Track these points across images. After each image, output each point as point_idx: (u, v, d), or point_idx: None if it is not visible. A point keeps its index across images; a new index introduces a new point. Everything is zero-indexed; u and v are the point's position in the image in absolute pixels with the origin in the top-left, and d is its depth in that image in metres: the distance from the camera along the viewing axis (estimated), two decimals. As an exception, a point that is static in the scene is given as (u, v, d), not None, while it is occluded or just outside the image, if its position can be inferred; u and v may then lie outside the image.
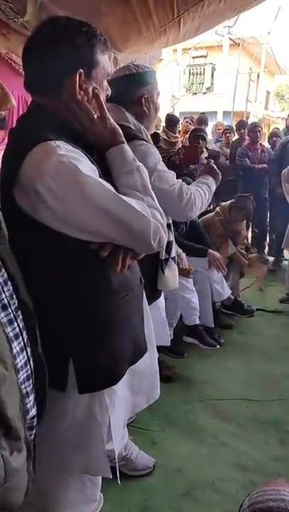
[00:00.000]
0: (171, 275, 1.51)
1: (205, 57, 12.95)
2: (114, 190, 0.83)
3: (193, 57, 13.01)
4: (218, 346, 2.45)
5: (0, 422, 0.60)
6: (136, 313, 1.04)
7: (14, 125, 0.96)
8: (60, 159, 0.76)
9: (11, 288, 0.67)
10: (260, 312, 3.08)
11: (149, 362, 1.15)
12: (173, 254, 1.52)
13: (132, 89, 1.31)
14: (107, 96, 0.93)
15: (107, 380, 0.96)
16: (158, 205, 0.91)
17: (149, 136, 1.36)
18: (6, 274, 0.66)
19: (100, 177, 0.84)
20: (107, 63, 0.89)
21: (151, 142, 1.35)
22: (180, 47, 11.92)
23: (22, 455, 0.65)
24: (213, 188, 1.50)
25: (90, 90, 0.86)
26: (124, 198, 0.83)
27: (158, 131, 3.06)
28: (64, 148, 0.78)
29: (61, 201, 0.77)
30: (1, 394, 0.59)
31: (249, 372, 2.29)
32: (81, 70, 0.83)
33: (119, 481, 1.05)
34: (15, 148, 0.83)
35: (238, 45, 11.57)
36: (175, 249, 1.59)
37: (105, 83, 0.91)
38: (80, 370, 0.90)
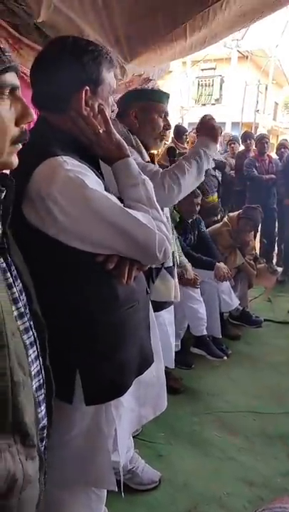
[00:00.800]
0: (162, 286, 1.51)
1: (214, 69, 13.11)
2: (120, 204, 0.85)
3: (202, 70, 13.18)
4: (225, 358, 2.43)
5: (19, 428, 0.61)
6: (142, 323, 1.04)
7: None
8: (66, 174, 0.78)
9: (25, 298, 0.69)
10: (268, 323, 3.05)
11: (156, 373, 1.15)
12: (167, 264, 1.52)
13: (125, 104, 1.43)
14: (112, 111, 0.96)
15: (114, 392, 0.96)
16: (163, 217, 0.93)
17: (140, 146, 1.41)
18: (21, 285, 0.68)
19: (105, 190, 0.86)
20: (112, 80, 0.92)
21: (143, 151, 1.40)
22: (189, 59, 12.11)
23: (35, 463, 0.65)
24: (210, 153, 1.42)
25: (96, 106, 0.89)
26: (129, 210, 0.84)
27: (172, 146, 3.09)
28: (70, 164, 0.80)
29: (68, 215, 0.79)
30: (20, 399, 0.60)
31: (256, 384, 2.26)
32: (87, 87, 0.86)
33: (122, 494, 1.04)
34: (23, 164, 0.84)
35: (247, 57, 11.70)
36: (172, 260, 1.58)
37: (111, 99, 0.94)
38: (86, 381, 0.90)
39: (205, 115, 1.52)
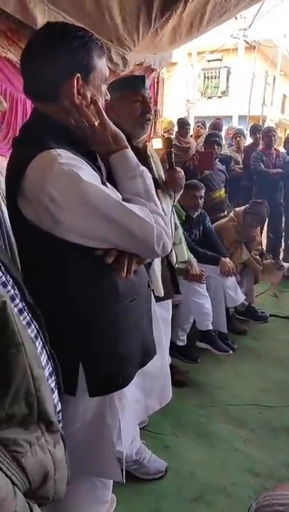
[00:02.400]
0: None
1: (220, 60, 12.85)
2: (116, 197, 0.83)
3: (209, 61, 12.96)
4: (231, 352, 2.45)
5: (43, 418, 0.64)
6: (144, 316, 1.04)
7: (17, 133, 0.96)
8: (61, 167, 0.77)
9: (19, 293, 0.70)
10: (273, 318, 3.05)
11: (160, 364, 1.16)
12: (154, 261, 1.50)
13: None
14: (106, 101, 0.93)
15: (117, 384, 0.96)
16: (161, 210, 0.91)
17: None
18: (12, 281, 0.69)
19: (102, 184, 0.84)
20: (104, 68, 0.89)
21: None
22: (195, 50, 11.93)
23: (61, 446, 0.70)
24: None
25: (88, 95, 0.86)
26: (126, 204, 0.83)
27: (168, 137, 3.03)
28: (65, 157, 0.79)
29: (63, 209, 0.78)
30: (42, 391, 0.62)
31: (262, 378, 2.28)
32: (78, 75, 0.83)
33: (124, 481, 1.05)
34: (18, 158, 0.84)
35: (254, 48, 11.48)
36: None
37: (104, 88, 0.91)
38: (89, 374, 0.91)
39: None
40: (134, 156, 0.93)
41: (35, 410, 0.62)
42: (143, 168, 0.93)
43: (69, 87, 0.83)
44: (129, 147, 0.92)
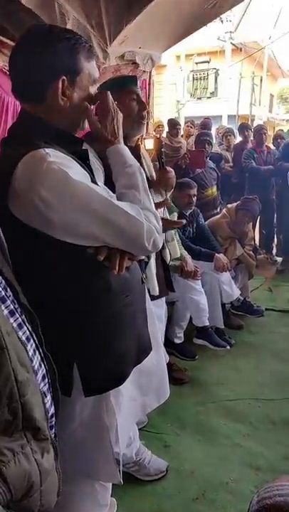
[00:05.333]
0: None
1: (208, 62, 13.02)
2: (107, 195, 0.84)
3: (197, 63, 13.11)
4: (228, 347, 2.44)
5: (30, 425, 0.61)
6: (139, 313, 1.04)
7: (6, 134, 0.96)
8: (50, 166, 0.77)
9: (11, 294, 0.68)
10: (269, 312, 3.06)
11: (156, 361, 1.15)
12: (149, 260, 1.51)
13: None
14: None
15: (113, 382, 0.96)
16: (153, 207, 0.91)
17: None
18: (4, 281, 0.67)
19: (93, 182, 0.85)
20: (93, 69, 0.90)
21: None
22: (183, 53, 12.05)
23: (50, 455, 0.66)
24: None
25: (74, 96, 0.87)
26: (116, 202, 0.84)
27: (161, 137, 3.07)
28: (54, 155, 0.79)
29: (53, 207, 0.77)
30: (28, 397, 0.59)
31: (260, 372, 2.28)
32: (64, 77, 0.84)
33: (122, 481, 1.02)
34: (6, 158, 0.83)
35: (240, 50, 11.62)
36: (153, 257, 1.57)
37: (92, 89, 0.92)
38: (84, 373, 0.90)
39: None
40: (128, 151, 0.94)
41: (20, 417, 0.59)
42: (139, 165, 0.94)
43: (54, 89, 0.84)
44: (122, 143, 0.94)
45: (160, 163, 1.63)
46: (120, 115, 0.95)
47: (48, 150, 0.79)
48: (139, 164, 0.94)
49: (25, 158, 0.78)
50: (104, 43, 2.10)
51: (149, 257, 1.51)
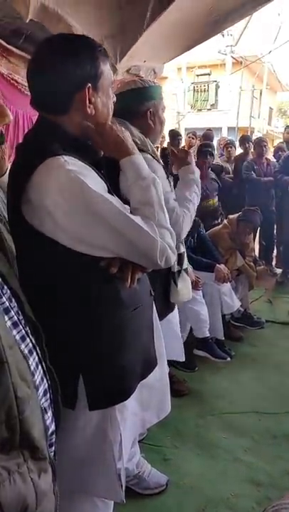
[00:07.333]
0: (184, 287, 1.50)
1: (209, 75, 13.25)
2: (122, 207, 0.82)
3: (197, 75, 13.32)
4: (229, 359, 2.42)
5: (27, 444, 0.59)
6: (146, 326, 1.02)
7: (20, 141, 0.95)
8: (68, 174, 0.77)
9: (16, 305, 0.67)
10: (269, 324, 3.05)
11: (159, 375, 1.13)
12: (185, 265, 1.52)
13: (138, 103, 1.32)
14: (113, 102, 0.94)
15: (118, 396, 0.94)
16: (168, 224, 0.89)
17: (155, 150, 1.36)
18: (9, 292, 0.66)
19: (109, 193, 0.83)
20: (109, 72, 0.90)
21: (158, 156, 1.34)
22: (184, 65, 12.25)
23: (48, 476, 0.64)
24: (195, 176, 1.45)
25: (99, 102, 0.87)
26: (130, 216, 0.82)
27: (166, 147, 3.10)
28: (72, 163, 0.78)
29: (68, 216, 0.77)
30: (27, 414, 0.58)
31: (261, 384, 2.26)
32: (89, 84, 0.84)
33: (123, 499, 1.00)
34: (23, 163, 0.83)
35: (241, 63, 11.84)
36: (187, 261, 1.58)
37: (110, 91, 0.92)
38: (90, 386, 0.89)
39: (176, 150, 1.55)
40: (144, 164, 0.92)
41: (18, 434, 0.57)
42: (154, 176, 0.91)
43: (81, 98, 0.84)
44: (138, 153, 0.91)
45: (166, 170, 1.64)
46: (121, 129, 0.91)
47: (66, 157, 0.79)
48: (154, 176, 0.91)
49: (44, 165, 0.77)
50: (114, 60, 2.13)
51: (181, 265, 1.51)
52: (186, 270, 1.53)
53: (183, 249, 1.50)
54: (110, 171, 0.93)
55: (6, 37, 2.14)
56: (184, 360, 1.81)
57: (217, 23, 2.29)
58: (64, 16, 1.83)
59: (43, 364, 0.71)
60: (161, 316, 1.29)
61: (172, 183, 1.40)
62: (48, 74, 0.84)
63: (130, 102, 1.31)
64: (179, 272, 1.48)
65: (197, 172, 1.46)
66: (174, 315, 1.64)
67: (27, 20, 1.71)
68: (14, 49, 2.18)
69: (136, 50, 2.16)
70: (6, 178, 0.97)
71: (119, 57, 2.14)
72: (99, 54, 0.86)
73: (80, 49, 0.84)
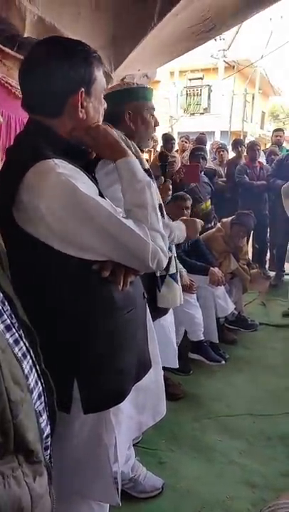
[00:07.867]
0: (168, 293, 1.49)
1: (201, 79, 13.35)
2: (113, 210, 0.82)
3: (190, 79, 13.42)
4: (223, 362, 2.43)
5: (22, 447, 0.58)
6: (140, 328, 1.03)
7: (11, 144, 0.95)
8: (58, 177, 0.76)
9: (9, 308, 0.66)
10: (263, 326, 3.08)
11: (154, 377, 1.13)
12: (171, 271, 1.50)
13: (115, 106, 1.28)
14: (104, 109, 0.94)
15: (113, 399, 0.94)
16: (161, 227, 0.90)
17: (139, 152, 1.34)
18: (1, 295, 0.65)
19: (100, 196, 0.84)
20: (102, 78, 0.91)
21: (141, 158, 1.31)
22: (177, 70, 12.34)
23: (44, 479, 0.63)
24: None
25: (90, 107, 0.87)
26: (122, 219, 0.82)
27: (163, 151, 3.12)
28: (62, 167, 0.78)
29: (59, 219, 0.77)
30: (21, 417, 0.57)
31: (255, 387, 2.28)
32: (82, 89, 0.84)
33: (120, 503, 1.01)
34: (13, 167, 0.83)
35: (233, 67, 11.97)
36: (176, 266, 1.56)
37: (102, 97, 0.93)
38: (85, 390, 0.88)
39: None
40: (139, 166, 0.92)
41: (12, 438, 0.56)
42: (149, 179, 0.91)
43: (74, 101, 0.84)
44: (131, 155, 0.91)
45: (164, 174, 1.64)
46: (111, 130, 0.92)
47: (56, 161, 0.79)
48: (149, 179, 0.91)
49: (34, 169, 0.77)
50: (109, 70, 2.15)
51: (167, 270, 1.49)
52: (173, 276, 1.52)
53: (170, 253, 1.50)
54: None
55: (1, 42, 2.14)
56: (177, 367, 1.82)
57: (212, 30, 2.33)
58: (61, 30, 1.85)
59: (38, 367, 0.70)
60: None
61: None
62: (42, 75, 0.83)
63: (110, 105, 1.33)
64: (163, 277, 1.47)
65: None
66: (168, 320, 1.65)
67: (25, 35, 1.73)
68: (10, 51, 2.16)
69: (131, 59, 2.18)
70: None
71: (114, 67, 2.16)
72: (93, 59, 0.87)
73: (75, 52, 0.85)
